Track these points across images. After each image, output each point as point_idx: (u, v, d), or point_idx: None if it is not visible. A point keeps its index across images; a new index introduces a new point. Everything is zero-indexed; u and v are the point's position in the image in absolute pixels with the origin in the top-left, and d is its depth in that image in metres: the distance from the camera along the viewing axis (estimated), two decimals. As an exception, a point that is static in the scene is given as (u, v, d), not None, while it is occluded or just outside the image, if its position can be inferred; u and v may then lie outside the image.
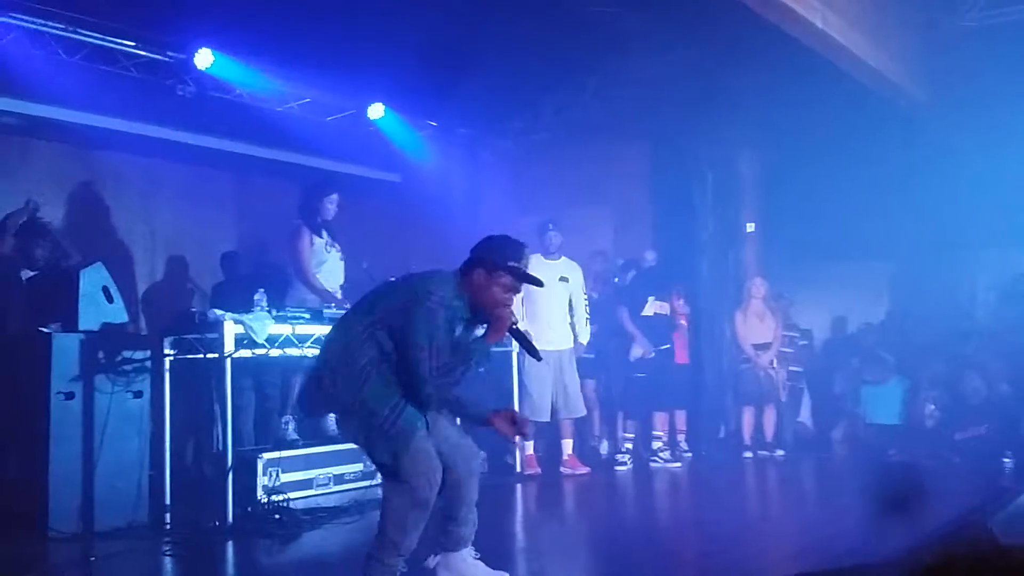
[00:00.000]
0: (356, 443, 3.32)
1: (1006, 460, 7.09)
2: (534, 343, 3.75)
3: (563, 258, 7.27)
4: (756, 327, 8.31)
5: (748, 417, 8.25)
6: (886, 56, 7.84)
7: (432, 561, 3.56)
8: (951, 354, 8.42)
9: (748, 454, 8.10)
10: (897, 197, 8.53)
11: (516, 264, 3.36)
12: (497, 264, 3.31)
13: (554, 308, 7.12)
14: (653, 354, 7.63)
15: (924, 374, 8.31)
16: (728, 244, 8.78)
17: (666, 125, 8.44)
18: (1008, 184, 8.30)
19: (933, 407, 8.06)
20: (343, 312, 5.57)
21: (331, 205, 6.24)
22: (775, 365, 8.30)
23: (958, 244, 9.05)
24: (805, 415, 8.85)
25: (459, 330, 3.33)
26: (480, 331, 3.42)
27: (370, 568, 3.27)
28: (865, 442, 8.24)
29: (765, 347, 8.25)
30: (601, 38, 7.58)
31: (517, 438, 3.78)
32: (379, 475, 3.41)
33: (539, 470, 7.05)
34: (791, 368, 8.62)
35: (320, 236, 6.23)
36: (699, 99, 7.99)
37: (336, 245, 6.35)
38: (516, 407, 7.01)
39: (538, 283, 3.60)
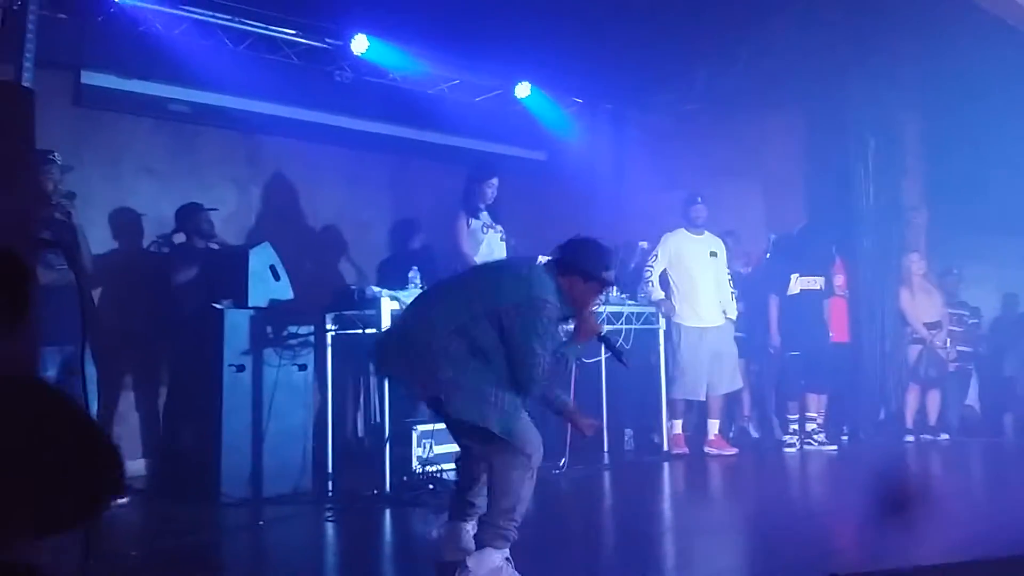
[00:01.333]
0: (464, 417, 3.38)
1: None
2: (620, 350, 3.93)
3: (707, 232, 7.13)
4: (924, 304, 7.92)
5: (913, 399, 7.88)
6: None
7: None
8: None
9: (910, 438, 7.74)
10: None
11: (608, 273, 3.61)
12: (592, 274, 3.53)
13: (706, 283, 7.02)
14: (796, 352, 7.37)
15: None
16: (890, 215, 8.32)
17: (822, 90, 8.07)
18: None
19: None
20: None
21: (490, 189, 6.41)
22: (947, 344, 7.89)
23: None
24: (973, 398, 8.37)
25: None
26: (569, 328, 3.69)
27: (487, 535, 3.41)
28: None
29: (936, 326, 7.86)
30: (752, 4, 7.35)
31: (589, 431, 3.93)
32: (482, 449, 3.49)
33: (687, 450, 6.98)
34: (959, 348, 8.17)
35: (477, 218, 6.38)
36: (856, 63, 7.62)
37: (497, 226, 6.49)
38: (664, 383, 6.98)
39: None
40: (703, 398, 7.02)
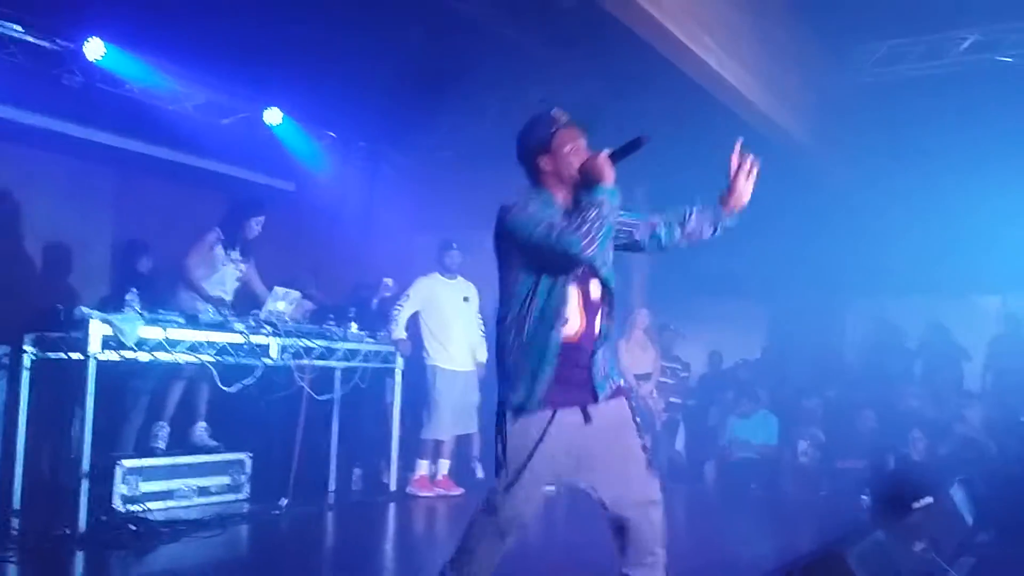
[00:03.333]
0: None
1: (864, 497, 7.38)
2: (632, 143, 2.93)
3: (460, 277, 7.25)
4: (638, 357, 8.49)
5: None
6: (778, 103, 8.16)
7: None
8: (823, 392, 8.76)
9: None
10: (777, 241, 8.85)
11: (560, 122, 2.94)
12: (548, 138, 2.91)
13: (459, 327, 7.11)
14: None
15: (798, 411, 8.61)
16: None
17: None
18: (879, 236, 8.74)
19: (807, 443, 8.34)
20: (223, 320, 5.54)
21: (257, 225, 6.30)
22: (654, 395, 8.49)
23: (831, 289, 9.45)
24: (680, 445, 9.05)
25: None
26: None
27: None
28: (733, 475, 8.45)
29: (646, 377, 8.45)
30: (504, 62, 7.67)
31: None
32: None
33: (433, 492, 6.93)
34: (671, 399, 8.83)
35: (232, 248, 6.22)
36: (594, 128, 8.13)
37: (244, 262, 6.32)
38: (397, 422, 6.96)
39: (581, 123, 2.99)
40: (448, 437, 7.06)
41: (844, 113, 8.99)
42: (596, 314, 2.89)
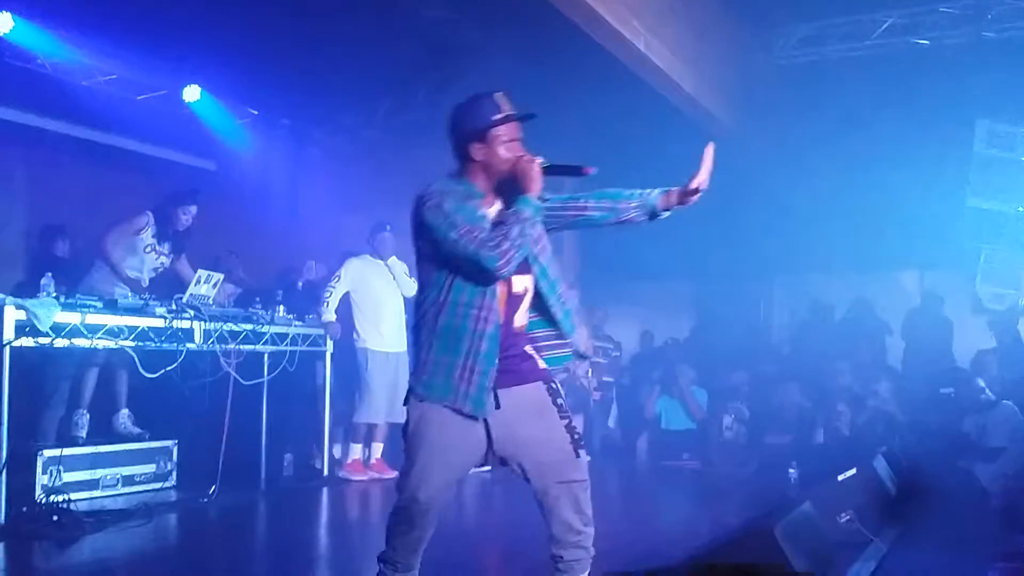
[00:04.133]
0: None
1: (791, 471, 7.56)
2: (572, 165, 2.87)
3: (394, 258, 7.14)
4: (571, 337, 8.53)
5: (559, 424, 8.44)
6: (702, 84, 8.26)
7: None
8: (750, 369, 8.93)
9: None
10: (703, 222, 8.96)
11: (500, 113, 2.78)
12: (487, 126, 2.76)
13: (390, 308, 7.01)
14: None
15: (723, 387, 8.77)
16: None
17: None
18: (802, 215, 8.94)
19: (732, 418, 8.50)
20: (143, 304, 5.36)
21: (185, 216, 6.23)
22: (589, 375, 8.56)
23: (756, 268, 9.66)
24: (613, 423, 9.15)
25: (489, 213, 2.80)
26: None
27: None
28: (664, 449, 8.58)
29: (580, 356, 8.50)
30: (436, 45, 7.59)
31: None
32: None
33: (367, 476, 6.87)
34: (604, 378, 8.92)
35: (161, 240, 6.16)
36: (524, 111, 8.11)
37: (171, 256, 6.26)
38: (328, 405, 6.87)
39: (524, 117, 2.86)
40: (383, 420, 6.96)
41: (767, 94, 9.17)
42: (517, 308, 2.83)
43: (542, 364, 2.92)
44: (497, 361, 2.74)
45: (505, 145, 2.77)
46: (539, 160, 2.78)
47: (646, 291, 9.36)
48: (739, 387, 8.73)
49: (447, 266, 2.73)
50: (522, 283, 2.83)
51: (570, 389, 8.40)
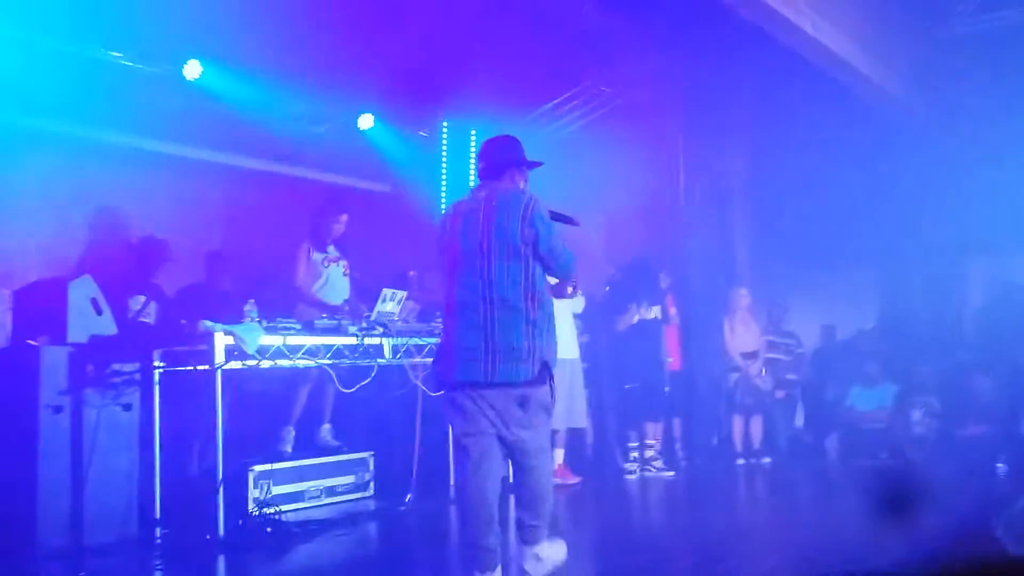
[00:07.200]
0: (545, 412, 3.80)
1: (1000, 464, 7.07)
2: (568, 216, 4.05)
3: None
4: (742, 336, 8.35)
5: (738, 425, 8.26)
6: (877, 62, 7.88)
7: None
8: (943, 359, 8.42)
9: (741, 461, 8.12)
10: (886, 204, 8.55)
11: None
12: (525, 164, 3.93)
13: (564, 319, 7.08)
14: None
15: (913, 380, 8.31)
16: (717, 249, 8.76)
17: (656, 129, 8.42)
18: (997, 191, 8.33)
19: (922, 412, 8.05)
20: (336, 324, 5.63)
21: (338, 225, 6.45)
22: (763, 373, 8.32)
23: (947, 251, 9.08)
24: (800, 422, 8.84)
25: None
26: None
27: (540, 532, 3.74)
28: (857, 448, 8.22)
29: (752, 355, 8.29)
30: (590, 44, 7.59)
31: None
32: (528, 450, 3.70)
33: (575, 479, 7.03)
34: (787, 376, 8.64)
35: (322, 251, 6.37)
36: (688, 105, 8.00)
37: (342, 261, 6.48)
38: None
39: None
40: (561, 428, 7.03)
41: (946, 66, 8.62)
42: None
43: None
44: None
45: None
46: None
47: (826, 281, 8.97)
48: (927, 379, 8.27)
49: (536, 261, 3.72)
50: None
51: (746, 389, 8.19)
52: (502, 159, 3.87)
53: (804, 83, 7.41)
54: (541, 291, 3.73)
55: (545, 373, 3.69)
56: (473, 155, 8.87)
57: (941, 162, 8.45)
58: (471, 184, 8.78)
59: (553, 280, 3.95)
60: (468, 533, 3.66)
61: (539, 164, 3.98)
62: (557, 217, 3.86)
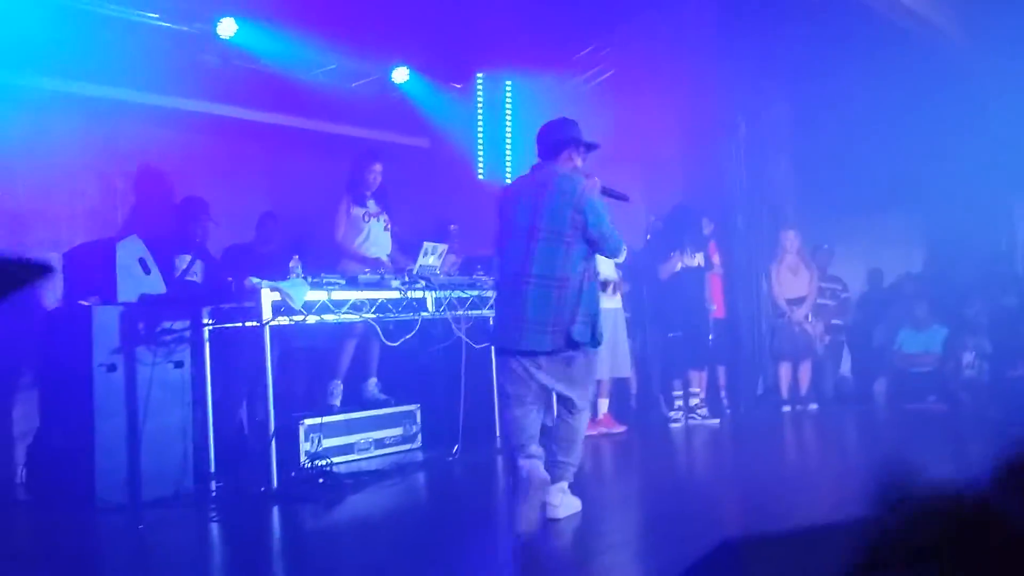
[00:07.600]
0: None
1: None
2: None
3: None
4: (790, 281, 8.21)
5: (784, 372, 8.17)
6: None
7: None
8: (993, 300, 8.27)
9: (787, 408, 8.06)
10: (931, 145, 8.33)
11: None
12: (583, 144, 4.21)
13: (607, 268, 7.05)
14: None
15: (963, 322, 8.18)
16: (762, 196, 8.60)
17: (698, 76, 8.26)
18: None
19: (973, 355, 7.94)
20: (379, 279, 5.65)
21: (372, 175, 6.37)
22: (810, 319, 8.21)
23: (995, 189, 8.86)
24: (846, 368, 8.76)
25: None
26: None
27: (567, 472, 4.14)
28: (906, 392, 8.13)
29: (799, 301, 8.16)
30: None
31: None
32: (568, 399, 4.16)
33: (620, 428, 7.09)
34: (832, 321, 8.53)
35: (362, 206, 6.31)
36: (729, 49, 7.83)
37: (383, 215, 6.43)
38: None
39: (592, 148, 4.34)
40: (605, 377, 7.03)
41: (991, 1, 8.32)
42: None
43: None
44: None
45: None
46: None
47: (871, 224, 8.81)
48: (978, 320, 8.11)
49: (584, 242, 4.02)
50: None
51: (789, 335, 8.11)
52: (559, 139, 4.13)
53: (847, 22, 7.20)
54: (579, 272, 4.04)
55: (580, 340, 4.09)
56: (508, 106, 8.81)
57: (987, 99, 8.20)
58: (506, 136, 8.76)
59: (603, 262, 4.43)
60: (513, 442, 4.11)
61: (596, 146, 4.25)
62: (609, 193, 4.10)
